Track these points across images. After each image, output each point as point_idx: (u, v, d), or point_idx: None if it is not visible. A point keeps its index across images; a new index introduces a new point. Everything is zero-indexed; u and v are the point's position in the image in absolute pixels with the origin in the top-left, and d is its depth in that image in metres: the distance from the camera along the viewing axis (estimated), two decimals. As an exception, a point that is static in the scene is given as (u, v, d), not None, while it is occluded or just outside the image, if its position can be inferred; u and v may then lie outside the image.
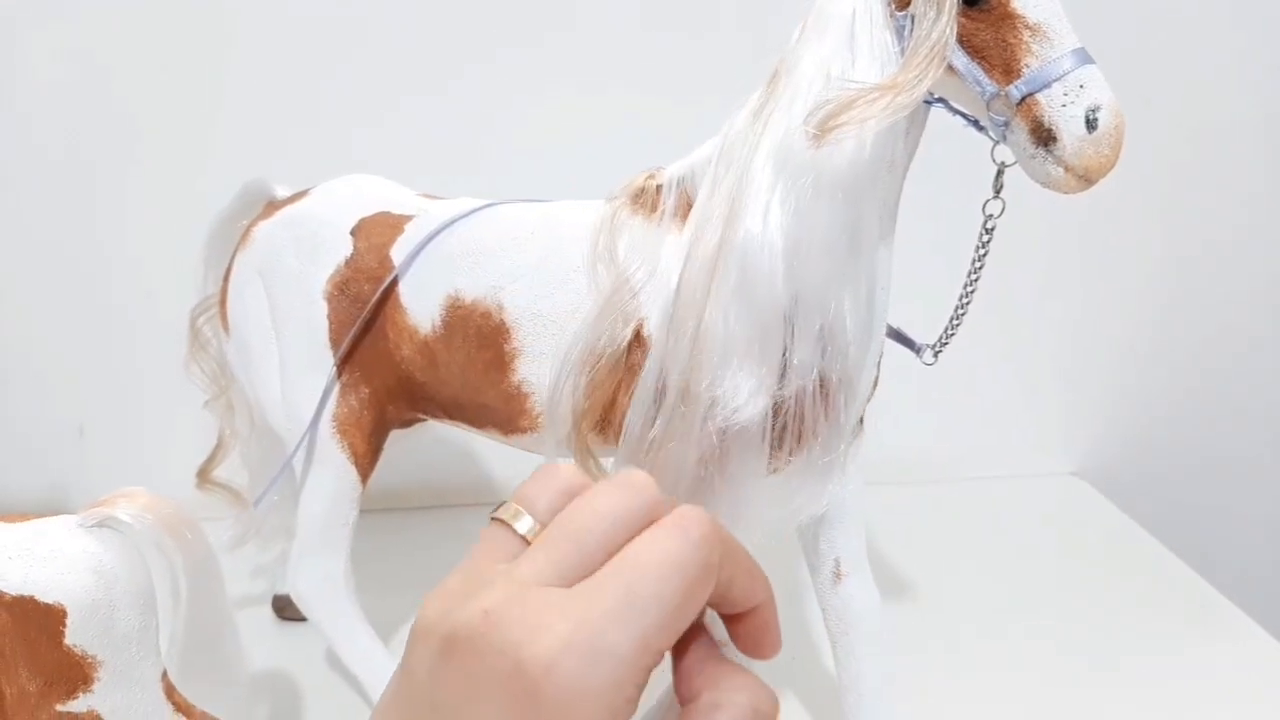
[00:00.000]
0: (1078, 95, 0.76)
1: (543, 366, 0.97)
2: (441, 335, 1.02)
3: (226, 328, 1.17)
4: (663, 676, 0.41)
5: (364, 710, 1.23)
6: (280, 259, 1.10)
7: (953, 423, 1.82)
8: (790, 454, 0.86)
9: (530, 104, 1.60)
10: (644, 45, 1.59)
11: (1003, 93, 0.79)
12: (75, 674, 0.87)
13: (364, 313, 1.05)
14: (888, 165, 0.85)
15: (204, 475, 1.29)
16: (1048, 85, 0.77)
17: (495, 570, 0.38)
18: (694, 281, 0.86)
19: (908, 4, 0.80)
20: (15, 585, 0.84)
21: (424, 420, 1.15)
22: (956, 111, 0.85)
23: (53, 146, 1.61)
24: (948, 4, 0.77)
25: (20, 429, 1.72)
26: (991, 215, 0.86)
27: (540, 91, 1.60)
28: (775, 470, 0.87)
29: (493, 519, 0.42)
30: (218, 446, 1.29)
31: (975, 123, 0.85)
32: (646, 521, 0.38)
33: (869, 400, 0.95)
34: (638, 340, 0.92)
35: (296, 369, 1.09)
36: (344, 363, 1.07)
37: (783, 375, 0.83)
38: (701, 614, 0.40)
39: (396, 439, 1.17)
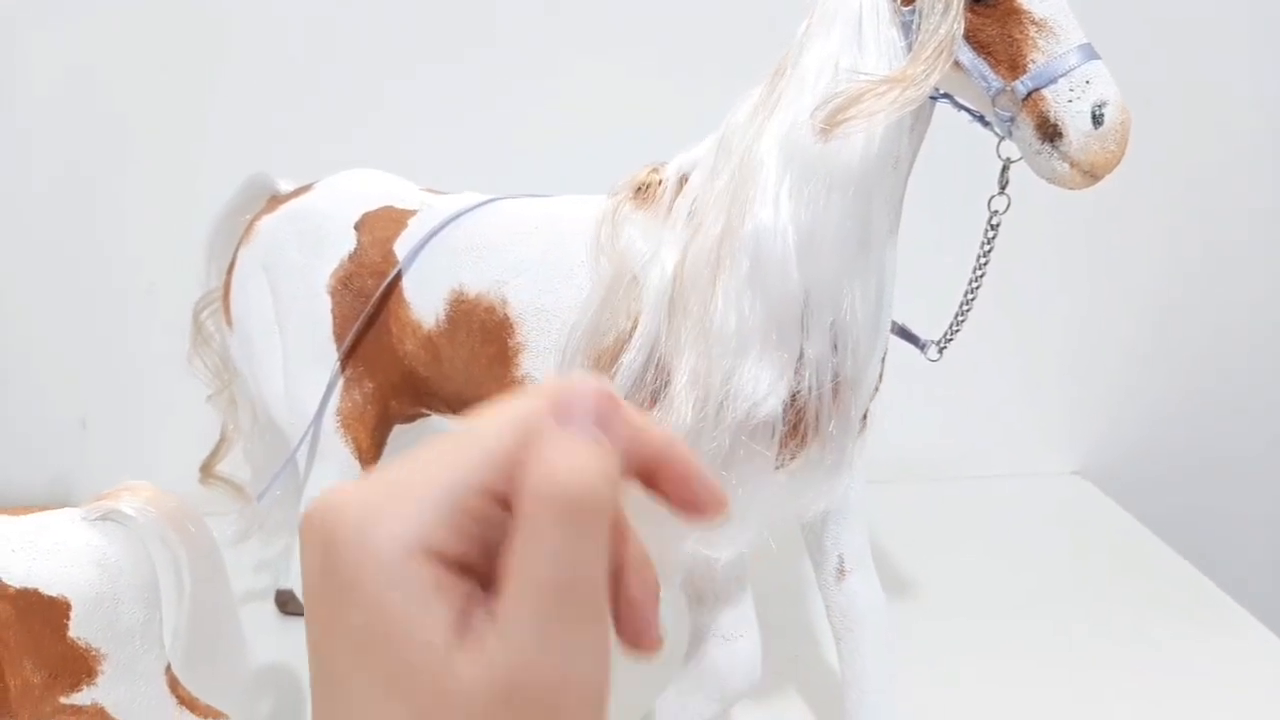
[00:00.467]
0: (1084, 91, 0.76)
1: (546, 361, 0.97)
2: (445, 330, 1.02)
3: (230, 322, 1.17)
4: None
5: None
6: (284, 253, 1.10)
7: (955, 421, 1.82)
8: (797, 451, 0.86)
9: (534, 98, 1.60)
10: (648, 39, 1.59)
11: (1009, 88, 0.78)
12: (79, 667, 0.87)
13: (367, 307, 1.05)
14: (893, 161, 0.84)
15: (207, 470, 1.29)
16: (1054, 81, 0.77)
17: None
18: (696, 270, 0.86)
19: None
20: (19, 578, 0.84)
21: (427, 415, 1.15)
22: (961, 107, 0.85)
23: (53, 142, 1.61)
24: (956, 2, 0.76)
25: (22, 423, 1.72)
26: (996, 211, 0.86)
27: (544, 86, 1.60)
28: (782, 467, 0.87)
29: None
30: (221, 441, 1.29)
31: (980, 118, 0.84)
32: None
33: (873, 397, 0.94)
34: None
35: (300, 363, 1.09)
36: (347, 357, 1.07)
37: (798, 370, 0.83)
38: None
39: (400, 434, 1.17)
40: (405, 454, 0.33)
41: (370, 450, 1.10)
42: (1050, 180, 0.79)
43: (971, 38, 0.79)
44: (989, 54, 0.79)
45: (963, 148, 0.91)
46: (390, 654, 0.30)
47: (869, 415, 0.95)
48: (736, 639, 0.95)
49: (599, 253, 0.93)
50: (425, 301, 1.03)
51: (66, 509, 0.91)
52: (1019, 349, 1.79)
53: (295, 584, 1.40)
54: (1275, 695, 1.26)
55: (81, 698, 0.88)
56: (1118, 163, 0.77)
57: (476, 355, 1.01)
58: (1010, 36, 0.78)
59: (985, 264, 0.89)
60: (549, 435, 0.32)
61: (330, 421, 1.08)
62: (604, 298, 0.92)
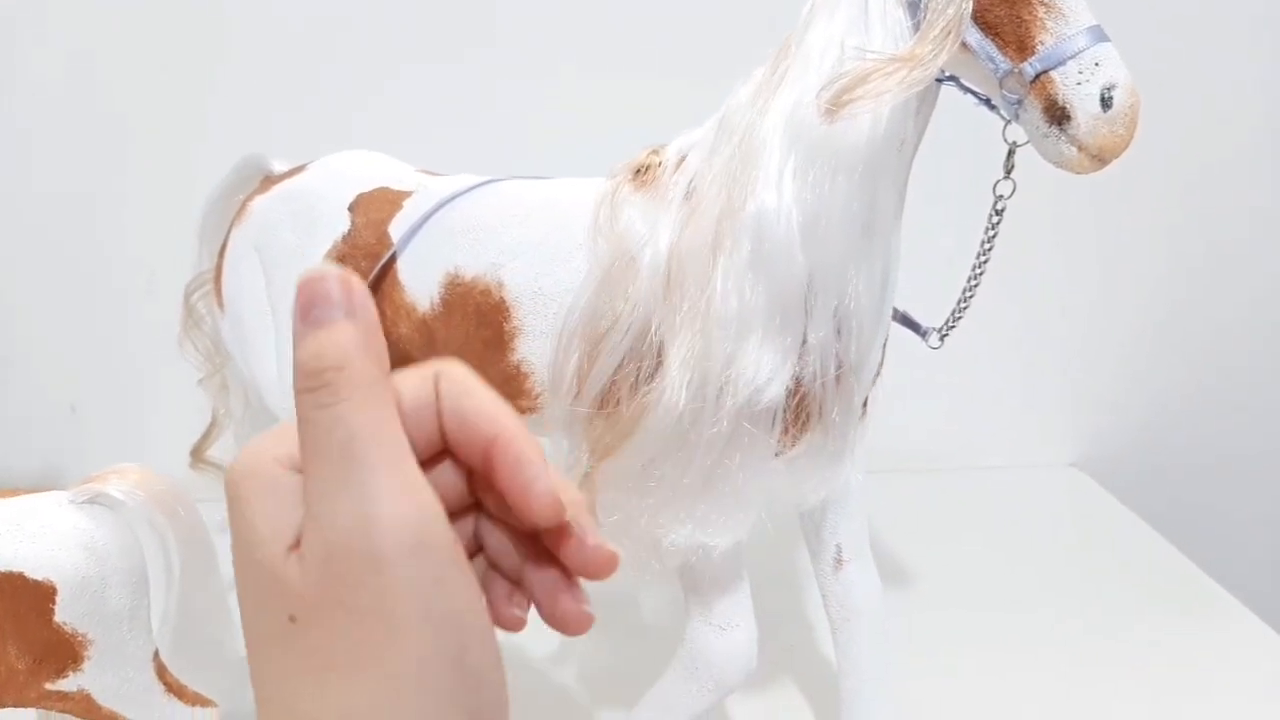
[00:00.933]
0: (1093, 73, 0.75)
1: (542, 345, 0.95)
2: (440, 313, 1.01)
3: (221, 304, 1.16)
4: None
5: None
6: (277, 234, 1.08)
7: (954, 411, 1.81)
8: (798, 437, 0.85)
9: (533, 79, 1.58)
10: (648, 21, 1.58)
11: (1016, 70, 0.77)
12: (65, 652, 0.85)
13: (361, 290, 1.03)
14: (899, 143, 0.83)
15: (198, 455, 1.28)
16: (1062, 63, 0.75)
17: None
18: (693, 250, 0.84)
19: (921, -22, 0.79)
20: (4, 561, 0.82)
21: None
22: (968, 89, 0.84)
23: (50, 132, 1.60)
24: None
25: (13, 407, 1.70)
26: (1002, 196, 0.84)
27: (544, 66, 1.59)
28: (781, 454, 0.85)
29: None
30: (211, 425, 1.28)
31: (987, 101, 0.83)
32: None
33: (874, 383, 0.93)
34: None
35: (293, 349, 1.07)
36: (340, 341, 1.05)
37: (800, 355, 0.82)
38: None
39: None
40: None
41: (363, 435, 1.08)
42: (1057, 164, 0.78)
43: (979, 18, 0.77)
44: (997, 35, 0.78)
45: (968, 130, 0.90)
46: (250, 553, 0.35)
47: (869, 402, 0.94)
48: (732, 628, 0.93)
49: (597, 235, 0.92)
50: (420, 284, 1.02)
51: (54, 492, 0.89)
52: (1019, 339, 1.78)
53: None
54: (1269, 688, 1.26)
55: (67, 684, 0.87)
56: (1126, 146, 0.76)
57: (471, 339, 0.99)
58: (1019, 17, 0.76)
59: (989, 250, 0.88)
60: (295, 330, 0.36)
61: (323, 406, 1.06)
62: (601, 280, 0.90)
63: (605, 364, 0.88)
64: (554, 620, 0.39)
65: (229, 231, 1.14)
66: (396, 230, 1.04)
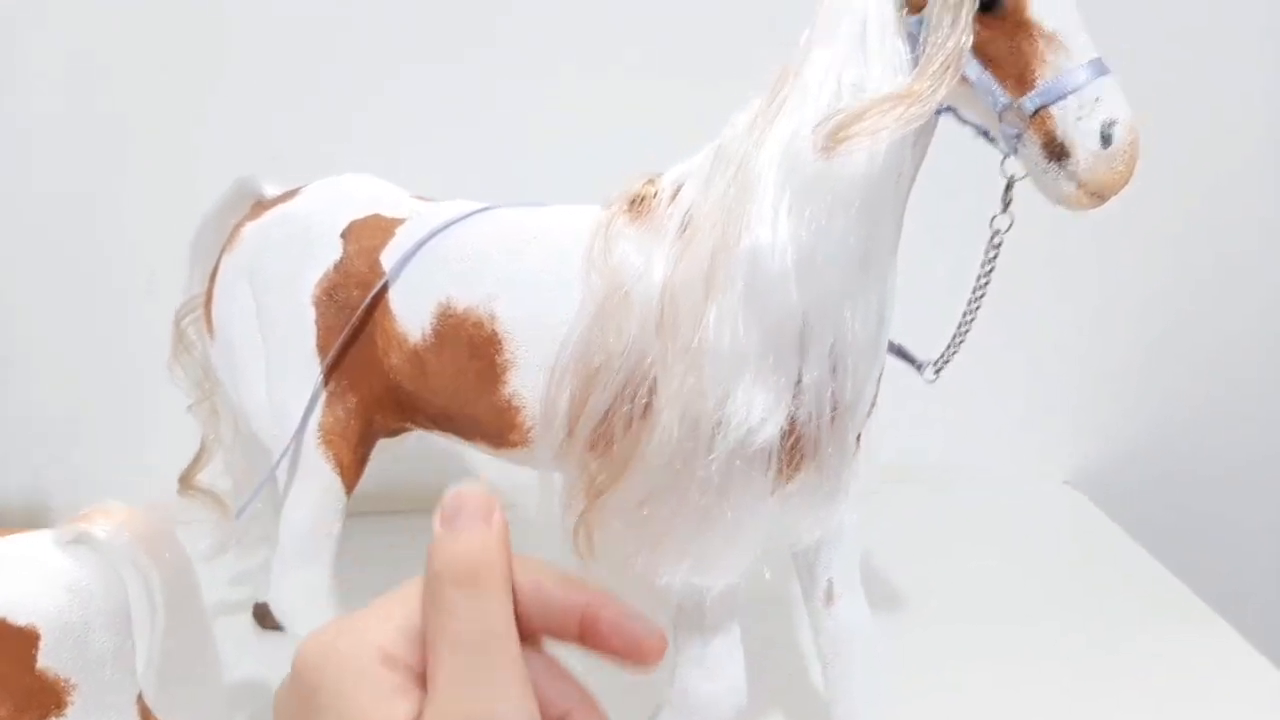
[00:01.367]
0: (1093, 109, 0.74)
1: (535, 379, 0.94)
2: (432, 344, 0.99)
3: (211, 330, 1.14)
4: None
5: None
6: (269, 261, 1.07)
7: (949, 427, 1.80)
8: (792, 476, 0.84)
9: (531, 101, 1.57)
10: (645, 41, 1.57)
11: (1016, 104, 0.76)
12: (47, 698, 0.83)
13: (353, 320, 1.02)
14: (896, 177, 0.82)
15: (186, 481, 1.26)
16: (1062, 97, 0.74)
17: None
18: (687, 286, 0.83)
19: (921, 7, 0.78)
20: (-14, 605, 0.81)
21: (411, 429, 1.12)
22: (967, 122, 0.83)
23: (46, 131, 1.58)
24: (964, 11, 0.74)
25: (7, 423, 1.69)
26: (999, 231, 0.83)
27: (541, 88, 1.57)
28: (776, 493, 0.84)
29: None
30: (201, 452, 1.26)
31: (985, 133, 0.82)
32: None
33: (869, 418, 0.92)
34: None
35: (282, 376, 1.05)
36: (331, 370, 1.04)
37: (795, 394, 0.81)
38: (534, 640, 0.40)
39: (383, 445, 1.14)
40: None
41: (352, 466, 1.07)
42: (1056, 201, 0.77)
43: (979, 51, 0.76)
44: (996, 68, 0.77)
45: (967, 160, 0.88)
46: None
47: (862, 437, 0.93)
48: (722, 672, 0.92)
49: (591, 268, 0.91)
50: (412, 314, 1.00)
51: (39, 531, 0.87)
52: (1014, 358, 1.77)
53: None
54: (1254, 707, 1.26)
55: (49, 727, 0.85)
56: (1125, 184, 0.75)
57: (463, 371, 0.98)
58: (1019, 50, 0.75)
59: (986, 284, 0.87)
60: (437, 533, 0.38)
61: (312, 437, 1.05)
62: (595, 315, 0.89)
63: (598, 400, 0.87)
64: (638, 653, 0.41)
65: (220, 257, 1.13)
66: (389, 259, 1.02)
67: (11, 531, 0.88)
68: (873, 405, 0.92)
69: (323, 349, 1.04)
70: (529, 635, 0.40)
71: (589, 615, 0.40)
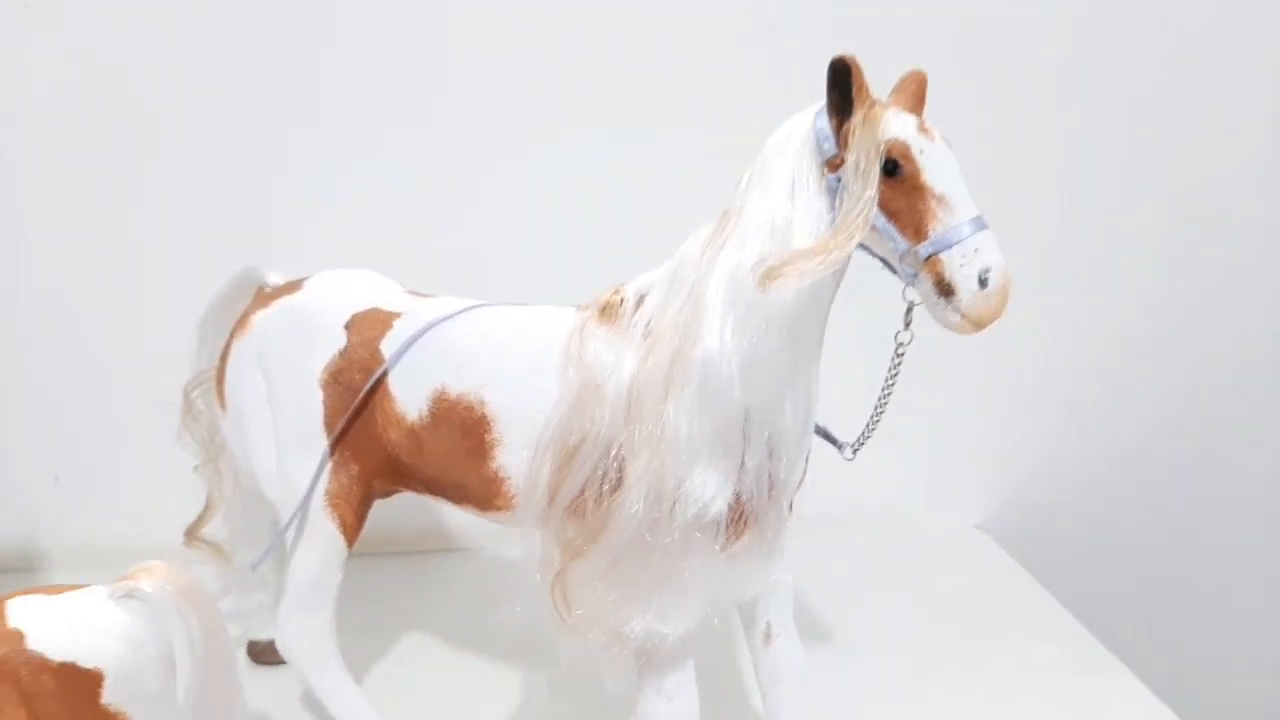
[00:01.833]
0: (973, 258, 0.93)
1: (519, 456, 1.11)
2: (428, 424, 1.16)
3: (223, 405, 1.29)
4: None
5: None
6: (278, 348, 1.23)
7: (863, 476, 1.93)
8: (737, 538, 1.02)
9: (508, 203, 1.77)
10: (610, 159, 1.78)
11: (913, 250, 0.95)
12: (106, 731, 0.99)
13: (356, 400, 1.19)
14: (818, 300, 1.01)
15: (192, 534, 1.40)
16: (949, 247, 0.93)
17: None
18: (650, 384, 1.01)
19: (839, 166, 0.97)
20: (59, 653, 0.95)
21: (404, 491, 1.28)
22: (875, 255, 1.02)
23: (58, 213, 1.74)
24: (872, 178, 0.93)
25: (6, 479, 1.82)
26: (902, 344, 1.02)
27: (520, 193, 1.77)
28: (724, 553, 1.02)
29: None
30: (206, 508, 1.40)
31: (890, 265, 1.01)
32: None
33: (798, 489, 1.11)
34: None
35: (292, 448, 1.21)
36: (336, 443, 1.20)
37: (739, 475, 0.99)
38: None
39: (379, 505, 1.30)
40: None
41: (354, 524, 1.23)
42: (944, 326, 0.96)
43: (884, 206, 0.95)
44: (898, 220, 0.96)
45: (879, 279, 1.07)
46: None
47: (793, 505, 1.11)
48: (679, 698, 1.10)
49: (568, 364, 1.08)
50: (409, 397, 1.17)
51: (94, 587, 1.02)
52: (929, 411, 1.95)
53: (268, 635, 1.52)
54: None
55: (107, 757, 1.00)
56: (998, 316, 0.94)
57: (457, 448, 1.15)
58: (915, 208, 0.95)
59: (893, 385, 1.06)
60: None
61: (319, 501, 1.21)
62: (572, 403, 1.06)
63: (575, 476, 1.05)
64: None
65: (231, 340, 1.28)
66: (388, 348, 1.19)
67: (66, 588, 1.02)
68: (802, 479, 1.10)
69: (329, 424, 1.20)
70: None
71: None
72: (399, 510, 1.37)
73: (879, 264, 1.03)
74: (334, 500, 1.21)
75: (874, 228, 0.96)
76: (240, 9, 1.68)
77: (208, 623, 1.07)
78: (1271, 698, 2.22)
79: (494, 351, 1.14)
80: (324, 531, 1.22)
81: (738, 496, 1.01)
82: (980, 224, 0.94)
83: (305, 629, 1.25)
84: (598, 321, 1.10)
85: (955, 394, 2.01)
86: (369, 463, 1.21)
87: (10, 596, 0.99)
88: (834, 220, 0.96)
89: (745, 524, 1.02)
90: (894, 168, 0.95)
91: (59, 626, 0.97)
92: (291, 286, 1.29)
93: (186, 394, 1.37)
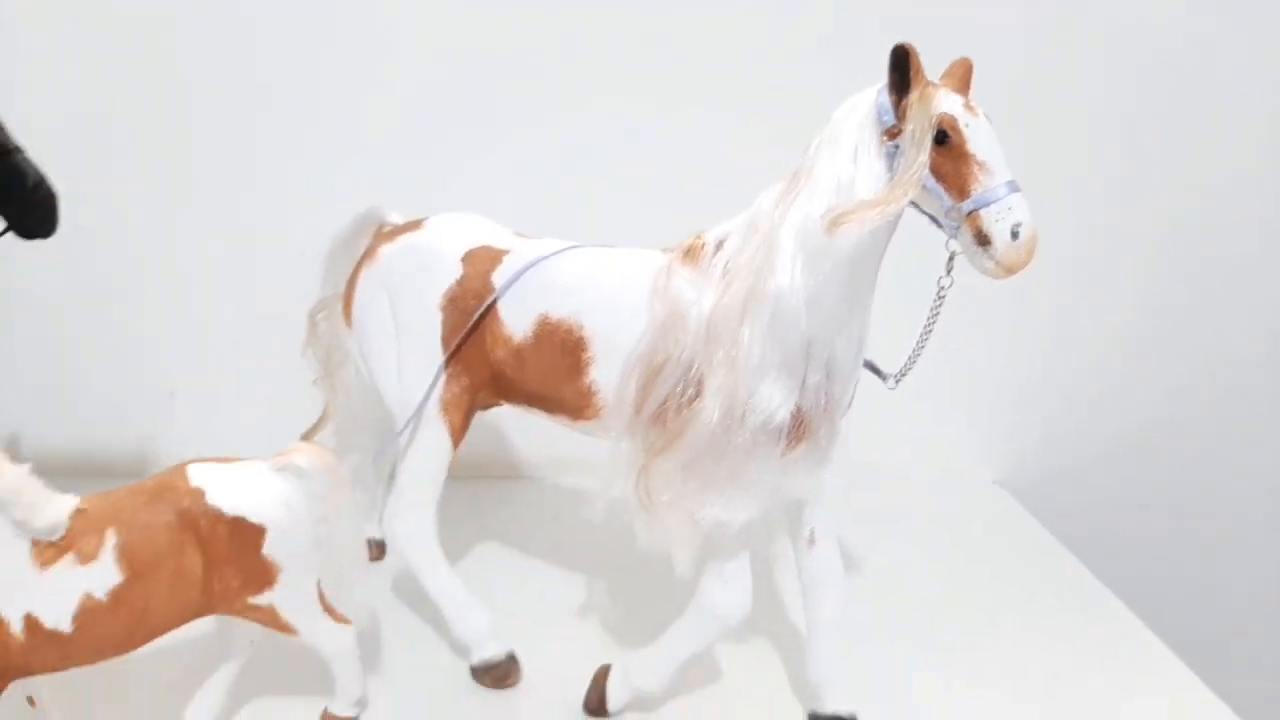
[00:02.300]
0: (1007, 214, 1.11)
1: (610, 373, 1.30)
2: (531, 344, 1.36)
3: (350, 323, 1.49)
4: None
5: (428, 632, 1.56)
6: (404, 277, 1.42)
7: (888, 432, 2.04)
8: (795, 446, 1.21)
9: (604, 152, 1.99)
10: (697, 127, 1.98)
11: (957, 206, 1.13)
12: (265, 576, 1.19)
13: (469, 323, 1.38)
14: (874, 247, 1.19)
15: (308, 439, 1.61)
16: (988, 205, 1.11)
17: None
18: (727, 314, 1.20)
19: (896, 136, 1.15)
20: (232, 509, 1.16)
21: (502, 405, 1.48)
22: (923, 212, 1.20)
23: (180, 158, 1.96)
24: (925, 146, 1.11)
25: (118, 392, 2.03)
26: (943, 288, 1.20)
27: (610, 144, 1.99)
28: (783, 458, 1.21)
29: None
30: (322, 416, 1.61)
31: (935, 221, 1.19)
32: None
33: (847, 411, 1.29)
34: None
35: (413, 362, 1.41)
36: (450, 359, 1.40)
37: (801, 392, 1.18)
38: None
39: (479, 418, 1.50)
40: None
41: (460, 429, 1.43)
42: (981, 271, 1.14)
43: (934, 169, 1.13)
44: (945, 181, 1.14)
45: (924, 236, 1.25)
46: None
47: (842, 424, 1.30)
48: (736, 584, 1.29)
49: (655, 297, 1.27)
50: (516, 321, 1.37)
51: (257, 460, 1.22)
52: (952, 372, 2.10)
53: (377, 533, 1.73)
54: (1157, 695, 1.53)
55: (261, 600, 1.20)
56: (1026, 264, 1.12)
57: (556, 364, 1.34)
58: (960, 172, 1.13)
59: (933, 325, 1.24)
60: None
61: (433, 407, 1.41)
62: (658, 330, 1.26)
63: (659, 390, 1.24)
64: None
65: (359, 269, 1.48)
66: (498, 279, 1.39)
67: (234, 460, 1.22)
68: (850, 402, 1.29)
69: (446, 343, 1.40)
70: None
71: None
72: (472, 440, 1.55)
73: (914, 242, 1.21)
74: (446, 407, 1.41)
75: (924, 187, 1.14)
76: None
77: (344, 499, 1.27)
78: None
79: (592, 284, 1.34)
80: (436, 433, 1.42)
81: (798, 409, 1.19)
82: (1014, 186, 1.12)
83: (412, 520, 1.45)
84: (681, 262, 1.29)
85: (976, 357, 2.17)
86: (477, 376, 1.41)
87: (190, 462, 1.20)
88: (891, 180, 1.14)
89: (803, 433, 1.21)
90: (943, 137, 1.13)
91: (232, 488, 1.18)
92: (413, 225, 1.48)
93: (312, 317, 1.58)
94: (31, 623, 1.06)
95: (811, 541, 1.36)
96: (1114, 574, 1.91)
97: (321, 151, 1.95)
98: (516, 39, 1.94)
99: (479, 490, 2.03)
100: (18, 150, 1.30)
